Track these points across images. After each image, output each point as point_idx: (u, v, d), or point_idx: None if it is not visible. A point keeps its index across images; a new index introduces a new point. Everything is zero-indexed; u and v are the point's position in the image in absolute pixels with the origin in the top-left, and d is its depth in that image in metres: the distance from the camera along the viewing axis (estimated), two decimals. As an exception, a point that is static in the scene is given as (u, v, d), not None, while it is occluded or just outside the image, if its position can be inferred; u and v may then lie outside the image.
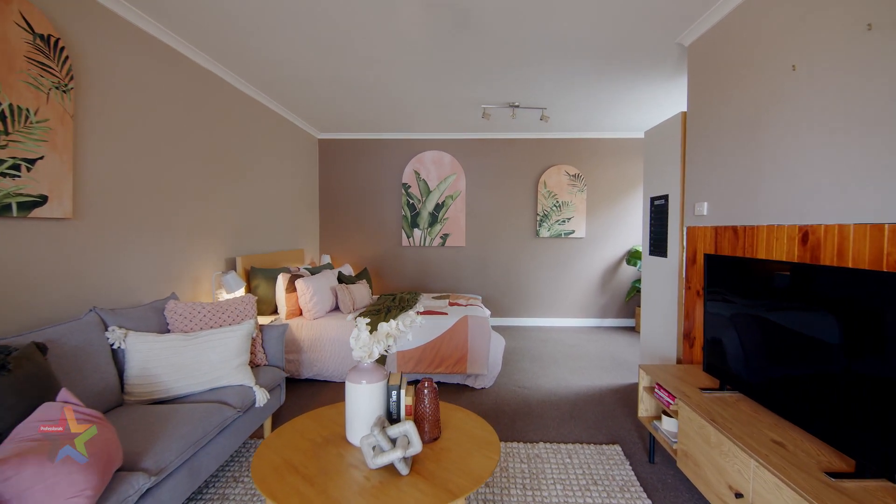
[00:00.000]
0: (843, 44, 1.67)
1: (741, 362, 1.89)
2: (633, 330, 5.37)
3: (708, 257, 2.13)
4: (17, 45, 1.82)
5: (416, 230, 5.61)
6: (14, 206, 1.82)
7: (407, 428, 1.43)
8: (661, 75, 3.45)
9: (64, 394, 1.37)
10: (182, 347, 2.08)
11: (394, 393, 1.69)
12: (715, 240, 2.45)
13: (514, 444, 2.45)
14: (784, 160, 1.96)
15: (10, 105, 1.80)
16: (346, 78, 3.58)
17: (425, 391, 1.65)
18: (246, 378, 2.18)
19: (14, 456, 1.11)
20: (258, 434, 2.58)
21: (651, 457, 2.31)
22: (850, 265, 1.59)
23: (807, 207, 1.83)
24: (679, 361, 2.80)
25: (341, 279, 4.21)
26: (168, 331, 2.30)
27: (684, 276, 2.77)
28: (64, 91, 2.04)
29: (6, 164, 1.78)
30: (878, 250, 1.50)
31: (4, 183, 1.78)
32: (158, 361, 2.01)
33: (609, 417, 2.84)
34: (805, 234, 1.81)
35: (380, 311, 3.63)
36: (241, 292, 3.45)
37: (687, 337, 2.71)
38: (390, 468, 1.44)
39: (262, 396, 2.18)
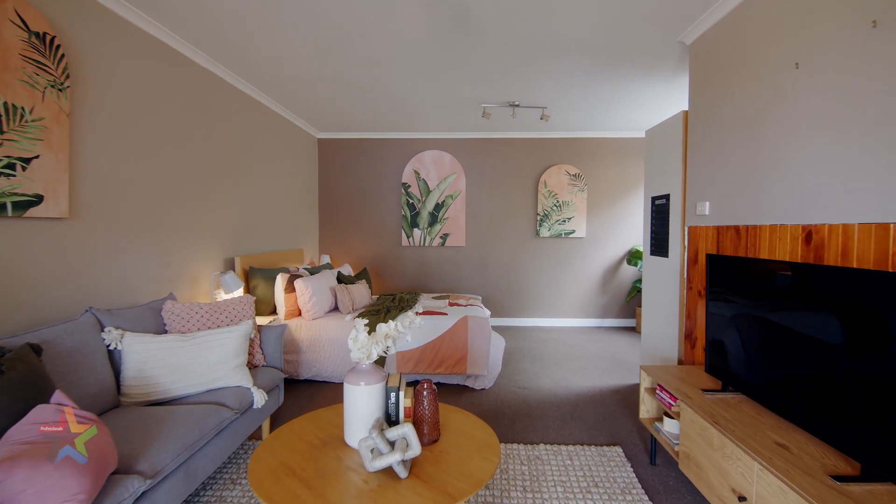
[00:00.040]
0: (848, 41, 1.65)
1: (744, 363, 1.87)
2: (634, 330, 5.35)
3: (710, 257, 2.11)
4: (11, 43, 1.80)
5: (415, 230, 5.60)
6: (9, 206, 1.80)
7: (406, 430, 1.42)
8: (662, 74, 3.43)
9: (58, 396, 1.35)
10: (179, 348, 2.06)
11: (392, 395, 1.67)
12: (717, 240, 2.43)
13: (515, 446, 2.43)
14: (787, 159, 1.94)
15: (5, 103, 1.78)
16: (345, 77, 3.56)
17: (424, 393, 1.63)
18: (244, 379, 2.16)
19: (5, 459, 1.09)
20: (256, 435, 2.57)
21: (652, 458, 2.29)
22: (855, 265, 1.57)
23: (810, 207, 1.81)
24: (680, 362, 2.78)
25: (340, 279, 4.19)
26: (165, 331, 2.28)
27: (686, 276, 2.75)
28: (60, 89, 2.02)
29: (1, 164, 1.76)
30: (883, 250, 1.48)
31: (-1, 182, 1.77)
32: (155, 362, 2.00)
33: (610, 418, 2.82)
34: (808, 233, 1.79)
35: (379, 312, 3.61)
36: (239, 292, 3.43)
37: (688, 337, 2.69)
38: (389, 471, 1.42)
39: (259, 398, 2.16)
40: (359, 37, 2.82)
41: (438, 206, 5.57)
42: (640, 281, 5.32)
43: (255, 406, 2.16)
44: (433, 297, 4.47)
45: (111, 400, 1.90)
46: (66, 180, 2.05)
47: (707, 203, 2.52)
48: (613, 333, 5.18)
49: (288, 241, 4.78)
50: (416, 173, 5.55)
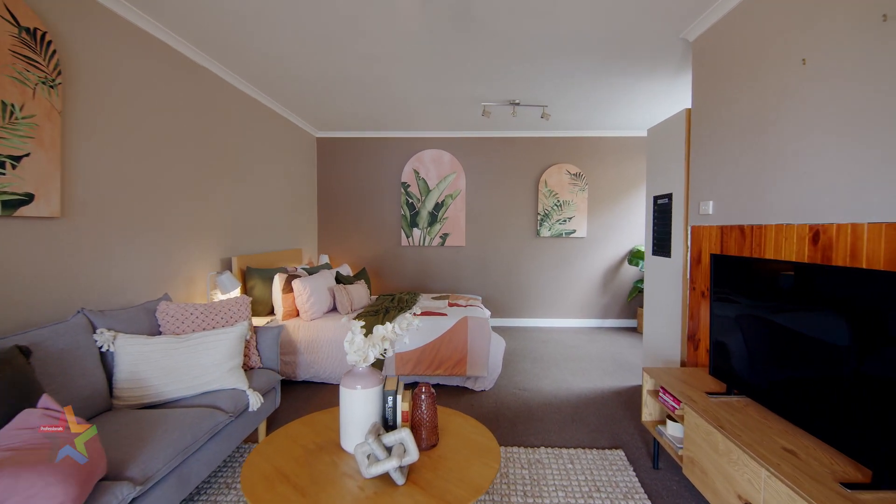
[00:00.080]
0: (856, 36, 1.61)
1: (749, 366, 1.83)
2: (635, 331, 5.31)
3: (714, 257, 2.07)
4: (1, 39, 1.76)
5: (415, 230, 5.55)
6: (-2, 205, 1.76)
7: (403, 436, 1.38)
8: (665, 72, 3.39)
9: (45, 400, 1.31)
10: (173, 350, 2.02)
11: (390, 398, 1.63)
12: (721, 239, 2.39)
13: (515, 449, 2.39)
14: (793, 157, 1.90)
15: (-6, 100, 1.74)
16: (344, 75, 3.52)
17: (422, 396, 1.59)
18: (239, 381, 2.12)
19: (-13, 467, 1.05)
20: (253, 438, 2.53)
21: (655, 462, 2.25)
22: (864, 266, 1.53)
23: (817, 206, 1.77)
24: (683, 364, 2.74)
25: (339, 279, 4.15)
26: (160, 333, 2.24)
27: (688, 276, 2.71)
28: (51, 86, 1.98)
29: (-10, 162, 1.73)
30: (894, 250, 1.44)
31: (-12, 181, 1.73)
32: (148, 364, 1.96)
33: (611, 421, 2.78)
34: (816, 233, 1.75)
35: (378, 312, 3.58)
36: (236, 293, 3.39)
37: (691, 339, 2.65)
38: (386, 477, 1.38)
39: (255, 400, 2.12)
40: (358, 34, 2.78)
41: (438, 206, 5.53)
42: (641, 281, 5.28)
43: (250, 409, 2.12)
44: (433, 298, 4.43)
45: (103, 403, 1.86)
46: (57, 179, 2.01)
47: (710, 202, 2.48)
48: (614, 334, 5.14)
49: (286, 241, 4.74)
50: (416, 172, 5.51)
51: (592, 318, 5.55)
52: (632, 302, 5.51)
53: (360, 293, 4.03)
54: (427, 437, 1.57)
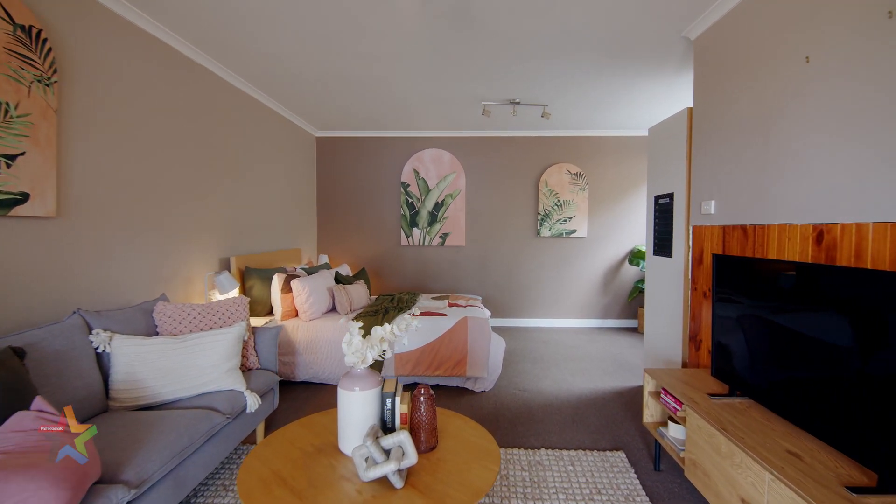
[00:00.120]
0: (861, 34, 1.59)
1: (752, 367, 1.81)
2: (636, 331, 5.29)
3: (717, 257, 2.05)
4: (-5, 36, 1.74)
5: (415, 229, 5.53)
6: (-7, 204, 1.74)
7: (401, 438, 1.36)
8: (666, 70, 3.37)
9: (38, 402, 1.29)
10: (170, 351, 2.00)
11: (388, 400, 1.61)
12: (723, 239, 2.36)
13: (515, 451, 2.37)
14: (796, 157, 1.88)
15: (-11, 98, 1.72)
16: (344, 74, 3.50)
17: (421, 398, 1.57)
18: (236, 382, 2.10)
19: (-23, 471, 1.03)
20: (250, 439, 2.51)
21: (657, 464, 2.23)
22: (869, 266, 1.51)
23: (820, 206, 1.75)
24: (685, 365, 2.72)
25: (339, 279, 4.13)
26: (157, 333, 2.22)
27: (690, 276, 2.69)
28: (47, 84, 1.96)
29: (-16, 161, 1.71)
30: (899, 250, 1.42)
31: (-18, 180, 1.71)
32: (145, 365, 1.94)
33: (612, 422, 2.76)
34: (820, 233, 1.73)
35: (377, 313, 3.56)
36: (234, 293, 3.37)
37: (693, 339, 2.63)
38: (384, 481, 1.36)
39: (253, 402, 2.10)
40: (358, 34, 2.76)
41: (438, 206, 5.51)
42: (642, 281, 5.26)
43: (248, 410, 2.10)
44: (432, 298, 4.41)
45: (99, 404, 1.84)
46: (52, 178, 1.99)
47: (712, 202, 2.46)
48: (615, 334, 5.12)
49: (285, 241, 4.72)
50: (416, 172, 5.49)
51: (593, 319, 5.53)
52: (632, 302, 5.49)
53: (359, 293, 4.01)
54: (426, 440, 1.55)
